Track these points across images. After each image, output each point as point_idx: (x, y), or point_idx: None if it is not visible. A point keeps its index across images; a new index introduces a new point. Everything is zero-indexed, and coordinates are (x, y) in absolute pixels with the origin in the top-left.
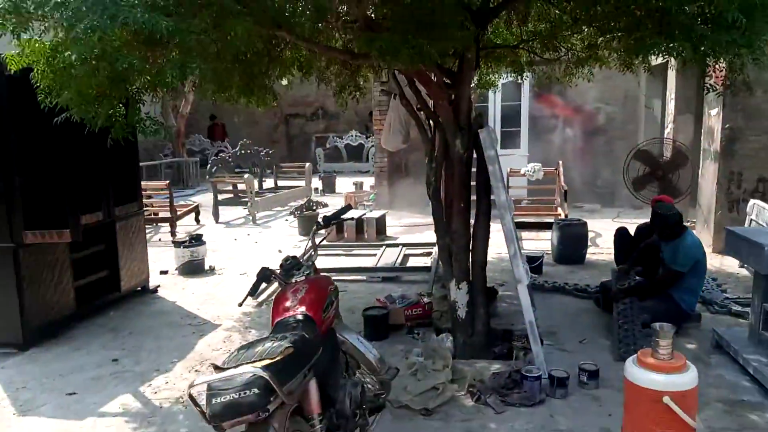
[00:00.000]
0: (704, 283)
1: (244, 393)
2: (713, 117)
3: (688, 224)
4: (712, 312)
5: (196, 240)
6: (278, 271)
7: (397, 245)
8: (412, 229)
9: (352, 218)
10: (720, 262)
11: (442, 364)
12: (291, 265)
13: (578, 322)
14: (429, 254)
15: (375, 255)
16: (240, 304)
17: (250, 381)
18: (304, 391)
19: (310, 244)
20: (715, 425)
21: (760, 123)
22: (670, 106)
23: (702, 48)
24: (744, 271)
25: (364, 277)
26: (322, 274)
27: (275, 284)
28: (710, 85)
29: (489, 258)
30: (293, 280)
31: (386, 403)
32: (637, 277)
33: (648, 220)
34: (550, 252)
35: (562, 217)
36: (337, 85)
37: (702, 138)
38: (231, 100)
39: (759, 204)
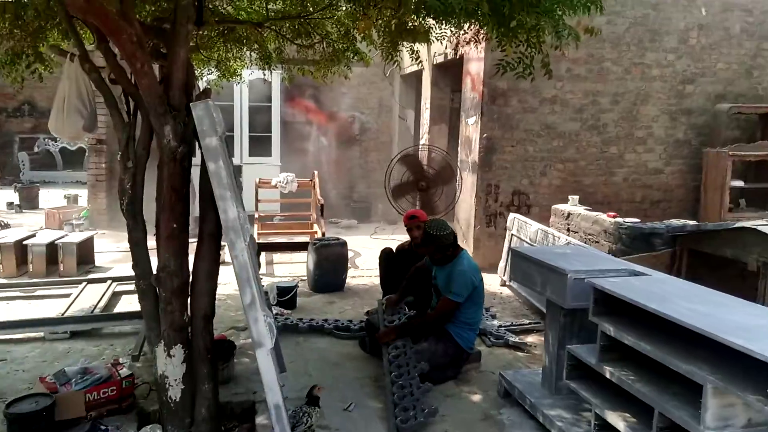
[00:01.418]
0: (482, 314)
1: None
2: (471, 126)
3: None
4: (488, 345)
5: None
6: None
7: (104, 280)
8: None
9: None
10: None
11: None
12: None
13: (342, 376)
14: None
15: (70, 296)
16: None
17: None
18: None
19: None
20: None
21: (515, 133)
22: (425, 115)
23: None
24: (507, 291)
25: (42, 334)
26: None
27: None
28: (504, 63)
29: (227, 292)
30: None
31: None
32: (407, 310)
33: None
34: (305, 278)
35: (319, 235)
36: (6, 54)
37: (459, 149)
38: None
39: (519, 218)
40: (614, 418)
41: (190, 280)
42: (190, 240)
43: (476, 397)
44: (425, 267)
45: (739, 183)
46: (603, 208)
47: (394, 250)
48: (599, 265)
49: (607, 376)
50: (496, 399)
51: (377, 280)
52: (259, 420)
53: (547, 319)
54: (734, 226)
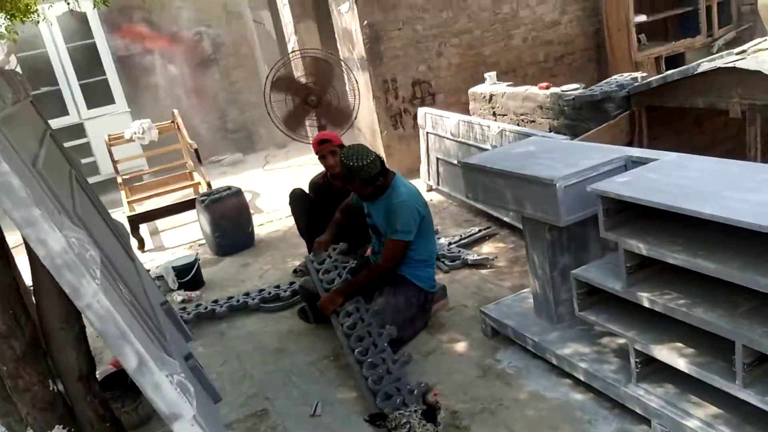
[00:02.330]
0: (435, 243)
1: None
2: (346, 15)
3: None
4: (444, 271)
5: None
6: None
7: None
8: None
9: None
10: None
11: None
12: None
13: (290, 365)
14: None
15: None
16: None
17: None
18: None
19: None
20: None
21: (399, 13)
22: (286, 13)
23: None
24: (436, 196)
25: None
26: None
27: None
28: None
29: None
30: None
31: None
32: (345, 261)
33: (315, 159)
34: (203, 241)
35: (205, 187)
36: None
37: (339, 45)
38: None
39: (432, 112)
40: (668, 355)
41: (41, 333)
42: None
43: (461, 346)
44: (352, 205)
45: (642, 17)
46: (509, 77)
47: (308, 189)
48: (583, 159)
49: (646, 304)
50: (483, 342)
51: (291, 222)
52: None
53: (527, 237)
54: (706, 69)
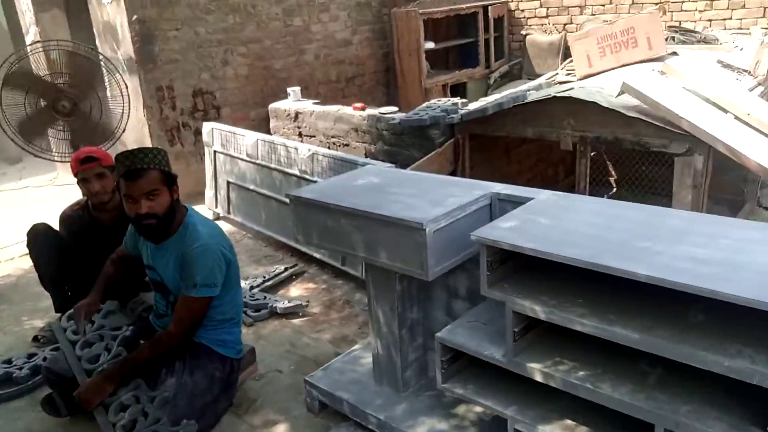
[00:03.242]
0: (241, 294)
1: None
2: (108, 7)
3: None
4: (248, 324)
5: None
6: None
7: None
8: None
9: None
10: None
11: None
12: None
13: None
14: None
15: None
16: None
17: None
18: None
19: None
20: None
21: (176, 10)
22: (25, 1)
23: None
24: (227, 225)
25: None
26: None
27: None
28: None
29: None
30: None
31: None
32: (116, 327)
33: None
34: None
35: None
36: None
37: (98, 41)
38: None
39: (222, 128)
40: None
41: None
42: None
43: (280, 431)
44: (128, 254)
45: (431, 45)
46: (301, 95)
47: (59, 224)
48: (444, 195)
49: (539, 379)
50: (309, 421)
51: (27, 265)
52: None
53: (372, 289)
54: (539, 98)
